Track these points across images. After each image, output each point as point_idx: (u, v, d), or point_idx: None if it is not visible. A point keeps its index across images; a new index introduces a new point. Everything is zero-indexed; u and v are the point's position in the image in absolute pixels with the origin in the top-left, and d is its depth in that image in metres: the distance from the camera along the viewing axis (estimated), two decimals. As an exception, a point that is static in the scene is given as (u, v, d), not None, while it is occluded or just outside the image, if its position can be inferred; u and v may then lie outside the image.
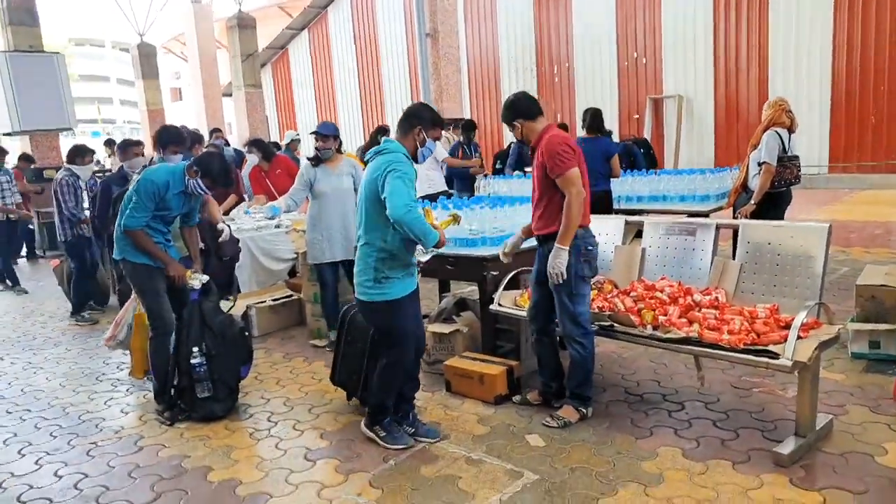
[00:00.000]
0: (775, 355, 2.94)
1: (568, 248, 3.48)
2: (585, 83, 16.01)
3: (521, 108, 3.68)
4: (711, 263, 3.82)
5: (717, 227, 3.91)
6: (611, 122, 15.28)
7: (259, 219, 6.53)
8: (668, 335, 3.33)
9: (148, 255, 4.08)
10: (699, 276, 3.83)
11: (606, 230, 4.31)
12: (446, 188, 8.51)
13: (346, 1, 21.76)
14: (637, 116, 14.96)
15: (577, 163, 3.49)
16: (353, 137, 21.54)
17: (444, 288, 5.81)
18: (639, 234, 4.37)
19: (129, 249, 4.08)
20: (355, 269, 3.49)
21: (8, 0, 11.93)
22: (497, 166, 8.74)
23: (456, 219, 3.84)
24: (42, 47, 12.39)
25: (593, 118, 6.52)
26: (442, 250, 4.42)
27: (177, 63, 38.85)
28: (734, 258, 3.88)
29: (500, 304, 4.18)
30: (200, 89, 21.38)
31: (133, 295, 4.52)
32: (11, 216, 8.67)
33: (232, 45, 17.34)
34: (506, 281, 4.25)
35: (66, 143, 17.30)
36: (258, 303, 6.20)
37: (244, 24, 17.07)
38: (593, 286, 3.94)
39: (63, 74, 12.27)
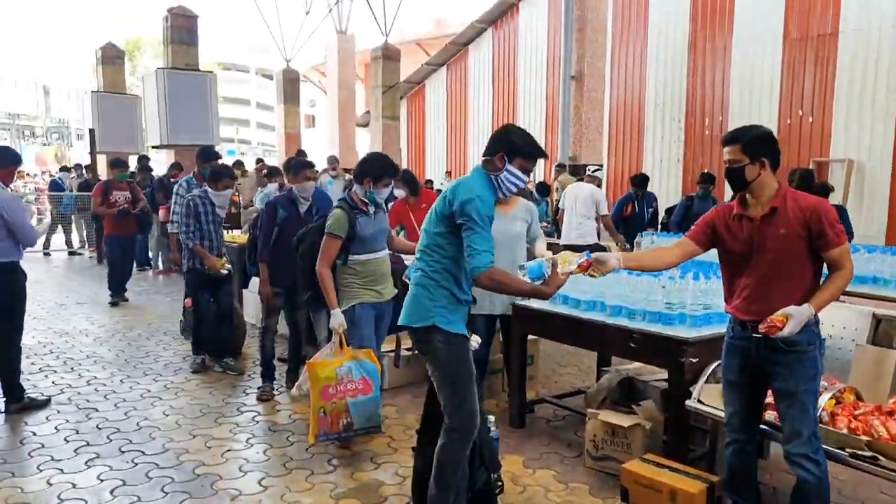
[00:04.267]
0: None
1: (815, 318, 2.74)
2: (740, 139, 14.83)
3: (772, 148, 2.87)
4: None
5: None
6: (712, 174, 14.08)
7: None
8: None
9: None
10: None
11: (843, 321, 3.43)
12: (598, 241, 7.75)
13: (487, 40, 21.53)
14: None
15: None
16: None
17: (603, 361, 5.03)
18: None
19: (442, 311, 2.93)
20: None
21: (171, 19, 12.30)
22: (663, 220, 7.90)
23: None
24: (198, 66, 12.70)
25: (803, 180, 5.58)
26: (625, 323, 3.73)
27: (312, 91, 40.24)
28: None
29: (700, 401, 3.36)
30: (336, 117, 21.69)
31: (333, 340, 4.00)
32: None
33: (374, 76, 17.41)
34: (709, 371, 3.43)
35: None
36: (388, 351, 5.61)
37: (388, 56, 17.11)
38: (831, 394, 3.08)
39: (213, 93, 12.53)
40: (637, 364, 4.72)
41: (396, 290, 4.23)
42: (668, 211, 8.17)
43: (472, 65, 22.32)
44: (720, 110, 15.20)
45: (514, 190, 3.02)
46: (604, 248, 7.69)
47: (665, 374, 4.32)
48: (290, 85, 21.14)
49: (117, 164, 9.05)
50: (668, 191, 15.57)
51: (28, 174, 24.72)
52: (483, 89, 21.86)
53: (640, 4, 16.78)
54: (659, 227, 8.00)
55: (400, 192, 6.57)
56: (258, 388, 5.26)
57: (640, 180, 8.10)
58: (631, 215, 7.96)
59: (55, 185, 13.95)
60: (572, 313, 4.03)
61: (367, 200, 4.05)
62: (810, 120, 13.53)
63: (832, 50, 13.30)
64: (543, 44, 19.38)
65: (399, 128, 18.04)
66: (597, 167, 8.49)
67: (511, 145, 2.94)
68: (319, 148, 28.89)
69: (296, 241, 4.53)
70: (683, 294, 3.55)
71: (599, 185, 8.39)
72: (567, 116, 14.40)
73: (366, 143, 26.11)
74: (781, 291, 2.77)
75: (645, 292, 3.65)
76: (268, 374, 5.27)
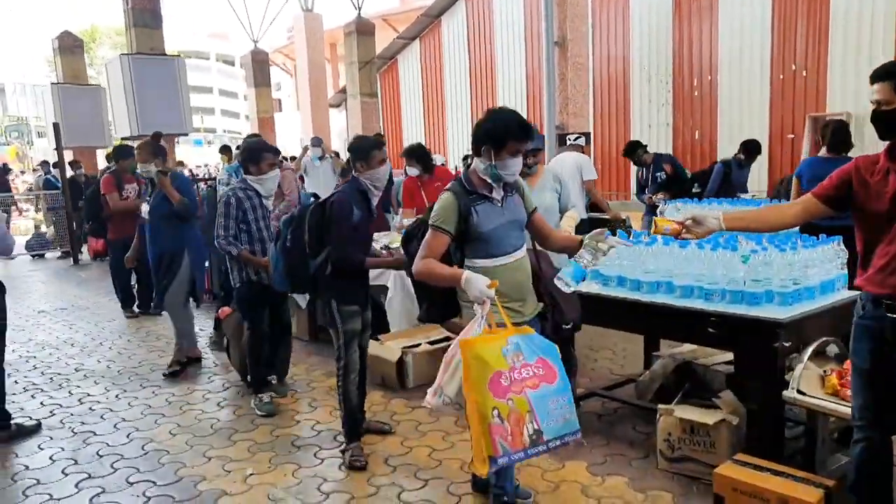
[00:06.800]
0: None
1: None
2: (731, 98, 14.43)
3: None
4: None
5: None
6: (760, 142, 13.66)
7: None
8: None
9: None
10: None
11: None
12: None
13: (461, 9, 20.90)
14: (792, 136, 13.30)
15: None
16: (461, 150, 20.62)
17: (651, 343, 4.60)
18: None
19: None
20: None
21: (132, 1, 11.55)
22: (695, 189, 7.46)
23: None
24: (164, 50, 11.96)
25: (836, 134, 5.17)
26: (701, 305, 3.28)
27: (276, 74, 39.19)
28: None
29: (799, 391, 2.94)
30: (308, 99, 20.96)
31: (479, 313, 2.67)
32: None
33: (348, 52, 16.71)
34: (807, 356, 3.01)
35: (179, 150, 17.15)
36: (412, 346, 5.17)
37: (362, 31, 16.42)
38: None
39: (182, 78, 11.82)
40: (689, 346, 4.32)
41: (540, 307, 3.06)
42: (694, 177, 7.74)
43: (446, 36, 21.69)
44: (709, 69, 14.78)
45: None
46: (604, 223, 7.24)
47: (728, 357, 3.95)
48: (260, 67, 20.35)
49: (125, 153, 7.26)
50: (658, 155, 15.21)
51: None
52: (459, 61, 21.28)
53: (621, -37, 16.27)
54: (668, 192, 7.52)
55: (413, 171, 6.12)
56: (343, 452, 3.89)
57: (754, 147, 7.69)
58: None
59: (49, 184, 13.11)
60: (633, 297, 3.56)
61: (490, 180, 2.88)
62: (804, 74, 13.16)
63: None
64: (520, 10, 18.81)
65: (377, 105, 17.36)
66: (577, 136, 8.04)
67: None
68: (292, 131, 28.15)
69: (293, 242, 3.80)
70: (769, 269, 3.11)
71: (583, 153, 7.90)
72: (552, 84, 13.90)
73: (339, 124, 25.43)
74: None
75: (723, 269, 3.20)
76: (354, 431, 3.90)
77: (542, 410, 2.51)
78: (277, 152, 4.91)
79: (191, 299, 5.67)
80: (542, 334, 2.80)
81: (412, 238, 3.12)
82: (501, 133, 2.78)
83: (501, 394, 2.48)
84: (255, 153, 4.59)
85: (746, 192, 7.35)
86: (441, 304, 3.04)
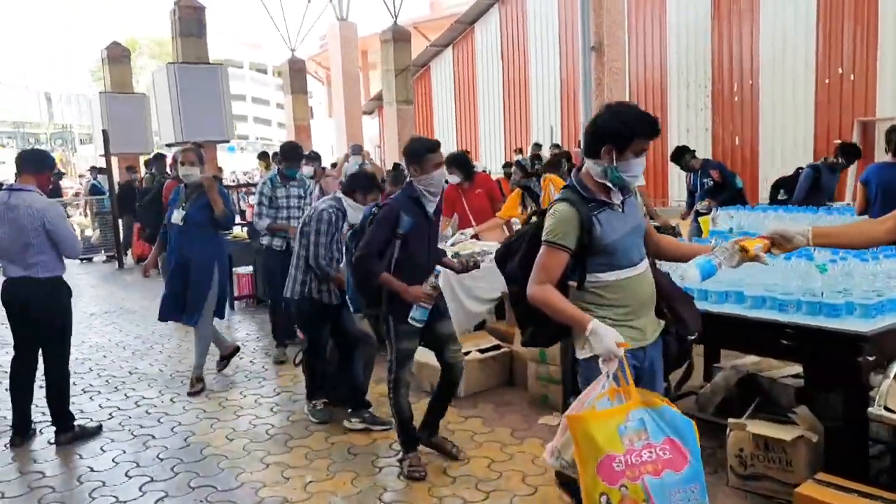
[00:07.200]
0: None
1: None
2: (773, 103, 14.17)
3: None
4: None
5: None
6: (805, 148, 13.41)
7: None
8: None
9: None
10: None
11: None
12: None
13: (494, 16, 20.89)
14: (839, 141, 13.02)
15: None
16: (494, 157, 20.62)
17: (712, 355, 4.51)
18: None
19: None
20: None
21: (179, 11, 11.73)
22: (781, 196, 7.24)
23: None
24: (207, 59, 12.13)
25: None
26: (775, 316, 3.19)
27: (309, 82, 39.47)
28: None
29: (886, 408, 2.83)
30: (342, 106, 21.08)
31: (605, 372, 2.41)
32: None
33: (385, 60, 16.77)
34: (893, 371, 2.90)
35: (221, 157, 17.38)
36: (462, 354, 5.11)
37: (399, 38, 16.47)
38: None
39: (225, 86, 11.98)
40: (752, 358, 4.21)
41: (662, 324, 2.70)
42: (777, 185, 7.51)
43: (479, 43, 21.69)
44: (750, 73, 14.54)
45: None
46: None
47: (795, 370, 3.84)
48: (297, 75, 20.53)
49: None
50: (696, 161, 14.99)
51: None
52: (492, 68, 21.26)
53: (659, -33, 16.12)
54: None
55: (454, 178, 6.08)
56: (400, 461, 3.82)
57: (854, 150, 7.26)
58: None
59: (95, 189, 13.43)
60: (700, 306, 3.46)
61: (609, 184, 2.53)
62: (852, 78, 12.87)
63: (872, -1, 12.57)
64: (554, 16, 18.74)
65: (412, 112, 17.41)
66: None
67: None
68: (324, 138, 28.35)
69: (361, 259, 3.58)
70: (850, 279, 3.02)
71: None
72: (589, 90, 13.78)
73: (372, 131, 25.58)
74: None
75: (799, 279, 3.11)
76: (411, 442, 3.81)
77: (663, 501, 2.20)
78: (382, 190, 4.86)
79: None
80: (666, 352, 2.65)
81: (510, 255, 2.78)
82: (627, 130, 2.46)
83: (613, 480, 2.20)
84: (368, 183, 4.49)
85: (833, 199, 6.99)
86: (551, 328, 2.69)
